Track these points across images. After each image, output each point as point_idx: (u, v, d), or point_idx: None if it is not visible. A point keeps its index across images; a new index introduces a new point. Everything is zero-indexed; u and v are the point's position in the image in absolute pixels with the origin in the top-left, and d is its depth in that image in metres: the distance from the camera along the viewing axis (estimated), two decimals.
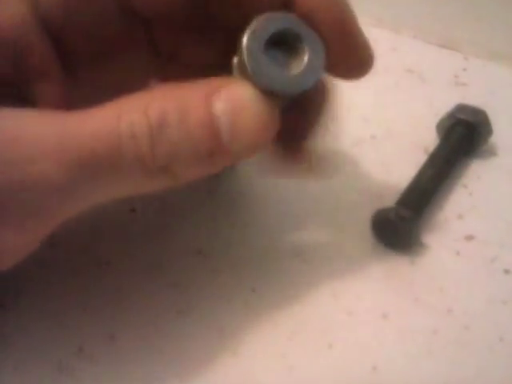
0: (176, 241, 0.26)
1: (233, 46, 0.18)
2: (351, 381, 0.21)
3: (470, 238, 0.26)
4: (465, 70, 0.35)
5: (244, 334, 0.23)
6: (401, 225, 0.24)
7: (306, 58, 0.18)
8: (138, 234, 0.26)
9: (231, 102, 0.17)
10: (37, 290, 0.24)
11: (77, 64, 0.20)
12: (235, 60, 0.18)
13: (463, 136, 0.28)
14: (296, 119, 0.21)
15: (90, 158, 0.16)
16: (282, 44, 0.18)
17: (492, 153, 0.30)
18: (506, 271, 0.24)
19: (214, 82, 0.17)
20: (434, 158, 0.28)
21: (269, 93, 0.17)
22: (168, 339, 0.23)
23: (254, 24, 0.17)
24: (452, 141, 0.28)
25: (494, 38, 0.36)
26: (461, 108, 0.29)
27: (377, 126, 0.31)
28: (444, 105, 0.30)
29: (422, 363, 0.22)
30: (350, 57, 0.20)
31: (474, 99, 0.32)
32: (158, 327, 0.23)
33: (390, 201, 0.26)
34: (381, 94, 0.33)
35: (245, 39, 0.17)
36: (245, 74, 0.17)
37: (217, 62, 0.20)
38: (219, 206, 0.27)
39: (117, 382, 0.21)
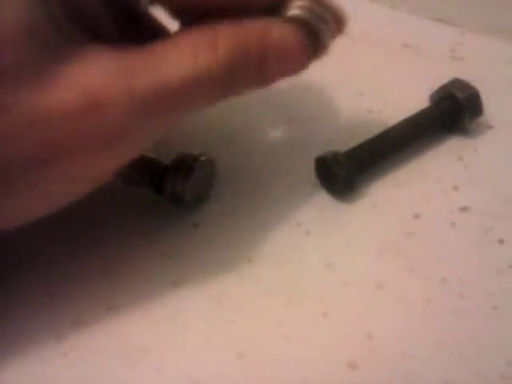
0: (171, 214, 0.26)
1: None
2: (346, 349, 0.21)
3: (465, 209, 0.26)
4: (461, 44, 0.35)
5: (240, 303, 0.23)
6: (335, 167, 0.25)
7: None
8: (132, 208, 0.27)
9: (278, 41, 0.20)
10: (33, 261, 0.25)
11: None
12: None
13: (449, 109, 0.28)
14: None
15: (166, 88, 0.18)
16: None
17: (488, 126, 0.30)
18: (500, 241, 0.24)
19: (261, 23, 0.21)
20: (404, 121, 0.28)
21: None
22: (164, 311, 0.23)
23: None
24: (432, 112, 0.28)
25: (490, 12, 0.36)
26: (455, 82, 0.29)
27: (373, 100, 0.31)
28: (440, 79, 0.30)
29: (416, 331, 0.22)
30: None
31: (470, 73, 0.32)
32: (154, 299, 0.23)
33: None
34: (377, 68, 0.33)
35: None
36: None
37: None
38: (215, 177, 0.27)
39: (114, 353, 0.22)
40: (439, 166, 0.27)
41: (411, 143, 0.28)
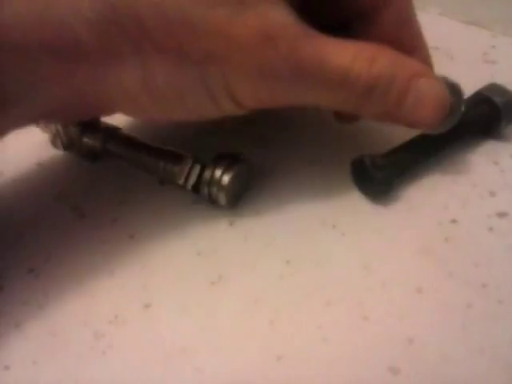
0: (208, 212, 0.26)
1: None
2: (387, 352, 0.21)
3: (502, 214, 0.25)
4: (493, 47, 0.35)
5: (279, 305, 0.23)
6: (371, 170, 0.25)
7: None
8: (169, 205, 0.27)
9: (424, 90, 0.23)
10: (66, 258, 0.25)
11: None
12: None
13: (486, 114, 0.28)
14: None
15: (316, 70, 0.21)
16: None
17: None
18: None
19: (419, 67, 0.23)
20: None
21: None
22: (201, 309, 0.23)
23: None
24: (468, 116, 0.28)
25: None
26: (491, 87, 0.29)
27: None
28: (473, 82, 0.30)
29: (456, 336, 0.22)
30: None
31: (503, 77, 0.32)
32: (191, 297, 0.23)
33: None
34: None
35: None
36: None
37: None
38: (251, 177, 0.27)
39: (152, 352, 0.22)
40: (475, 171, 0.27)
41: (447, 147, 0.28)
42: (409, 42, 0.24)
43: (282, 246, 0.25)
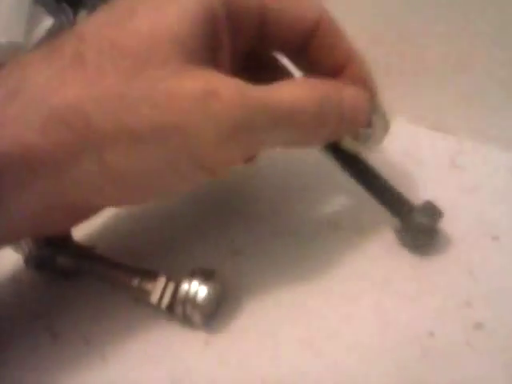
0: (182, 331, 0.25)
1: None
2: None
3: (479, 325, 0.25)
4: (460, 152, 0.36)
5: None
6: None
7: None
8: (139, 327, 0.26)
9: (351, 96, 0.25)
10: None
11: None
12: None
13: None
14: None
15: (264, 111, 0.22)
16: None
17: (493, 237, 0.30)
18: None
19: (340, 84, 0.26)
20: None
21: None
22: None
23: None
24: None
25: (485, 121, 0.37)
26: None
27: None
28: (441, 188, 0.31)
29: None
30: None
31: (470, 182, 0.33)
32: None
33: None
34: None
35: None
36: None
37: None
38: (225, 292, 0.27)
39: None
40: (449, 281, 0.27)
41: None
42: (342, 58, 0.26)
43: (259, 367, 0.24)
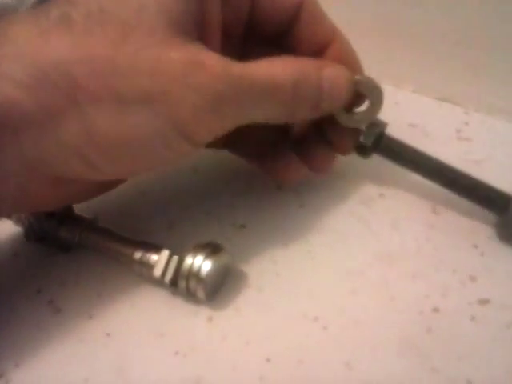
0: (186, 307, 0.25)
1: None
2: None
3: (484, 301, 0.25)
4: (466, 124, 0.35)
5: None
6: None
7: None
8: (143, 302, 0.26)
9: (332, 74, 0.25)
10: (39, 362, 0.24)
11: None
12: None
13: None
14: None
15: (248, 85, 0.23)
16: None
17: None
18: None
19: (322, 62, 0.26)
20: None
21: None
22: None
23: None
24: None
25: (492, 93, 0.36)
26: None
27: (385, 184, 0.31)
28: (447, 159, 0.30)
29: None
30: None
31: (477, 154, 0.32)
32: None
33: None
34: None
35: None
36: None
37: None
38: (230, 267, 0.27)
39: None
40: (454, 255, 0.27)
41: None
42: (325, 37, 0.27)
43: (262, 343, 0.24)
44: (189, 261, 0.25)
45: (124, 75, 0.21)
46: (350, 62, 0.27)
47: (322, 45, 0.27)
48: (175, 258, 0.25)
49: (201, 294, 0.25)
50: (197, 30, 0.23)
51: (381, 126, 0.29)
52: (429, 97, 0.37)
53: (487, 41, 0.35)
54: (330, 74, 0.25)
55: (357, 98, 0.27)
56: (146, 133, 0.22)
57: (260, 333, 0.24)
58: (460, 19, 0.35)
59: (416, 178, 0.29)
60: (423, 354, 0.23)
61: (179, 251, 0.25)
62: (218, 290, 0.26)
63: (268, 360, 0.23)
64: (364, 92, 0.27)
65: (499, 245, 0.28)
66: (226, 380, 0.23)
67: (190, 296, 0.25)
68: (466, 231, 0.28)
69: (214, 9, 0.24)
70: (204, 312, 0.25)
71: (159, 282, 0.25)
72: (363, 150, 0.29)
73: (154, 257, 0.26)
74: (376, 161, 0.32)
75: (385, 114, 0.36)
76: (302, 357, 0.23)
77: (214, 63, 0.22)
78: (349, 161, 0.33)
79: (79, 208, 0.29)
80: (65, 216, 0.28)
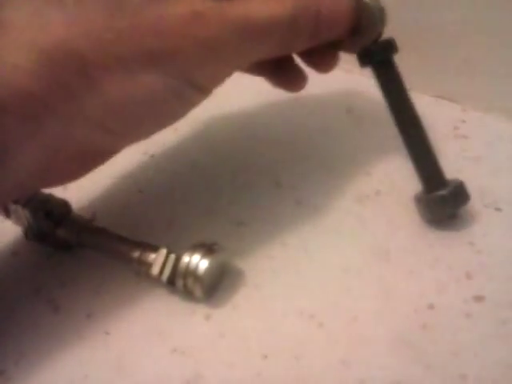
0: (183, 305, 0.26)
1: None
2: None
3: (479, 298, 0.25)
4: (464, 121, 0.36)
5: None
6: None
7: None
8: (141, 300, 0.26)
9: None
10: (39, 359, 0.24)
11: None
12: None
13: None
14: None
15: (246, 24, 0.23)
16: None
17: (496, 208, 0.30)
18: None
19: None
20: None
21: None
22: None
23: None
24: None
25: (490, 90, 0.36)
26: None
27: (380, 180, 0.31)
28: (444, 157, 0.30)
29: None
30: None
31: (474, 152, 0.32)
32: None
33: None
34: (384, 147, 0.33)
35: None
36: None
37: None
38: (227, 266, 0.27)
39: None
40: (450, 253, 0.27)
41: None
42: None
43: (260, 340, 0.24)
44: (186, 259, 0.25)
45: (125, 40, 0.21)
46: None
47: None
48: (172, 256, 0.26)
49: (198, 292, 0.25)
50: None
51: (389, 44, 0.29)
52: (426, 94, 0.37)
53: (485, 38, 0.35)
54: (329, 1, 0.25)
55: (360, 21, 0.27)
56: (158, 90, 0.22)
57: (257, 330, 0.25)
58: (457, 17, 0.35)
59: (412, 174, 0.29)
60: (418, 350, 0.24)
61: (178, 249, 0.26)
62: (215, 287, 0.26)
63: (265, 357, 0.24)
64: (366, 14, 0.27)
65: (495, 242, 0.28)
66: (224, 377, 0.23)
67: (187, 294, 0.25)
68: (461, 228, 0.28)
69: None
70: (201, 310, 0.25)
71: (157, 281, 0.26)
72: (365, 56, 0.29)
73: (151, 255, 0.26)
74: (372, 157, 0.32)
75: (382, 113, 0.37)
76: (298, 353, 0.24)
77: (213, 12, 0.22)
78: (346, 157, 0.33)
79: (78, 208, 0.29)
80: (64, 215, 0.28)
